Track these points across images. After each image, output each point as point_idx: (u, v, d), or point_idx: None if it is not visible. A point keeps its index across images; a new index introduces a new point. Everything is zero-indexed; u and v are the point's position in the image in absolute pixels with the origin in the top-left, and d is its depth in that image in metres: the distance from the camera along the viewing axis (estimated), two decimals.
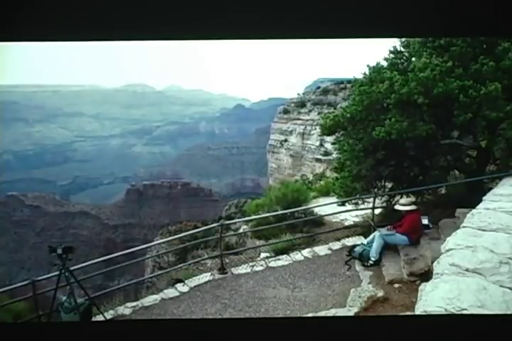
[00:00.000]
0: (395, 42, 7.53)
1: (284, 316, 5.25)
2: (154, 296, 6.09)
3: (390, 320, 2.86)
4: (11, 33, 2.38)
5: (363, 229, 7.61)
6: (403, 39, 7.43)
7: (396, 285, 5.60)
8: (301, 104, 53.18)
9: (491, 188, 5.99)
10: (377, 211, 7.65)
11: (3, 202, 71.02)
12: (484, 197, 5.19)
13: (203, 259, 7.33)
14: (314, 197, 11.62)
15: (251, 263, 6.86)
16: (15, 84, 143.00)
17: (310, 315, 5.15)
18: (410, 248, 6.11)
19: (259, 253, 7.47)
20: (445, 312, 2.84)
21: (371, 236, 6.53)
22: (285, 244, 7.39)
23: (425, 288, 3.44)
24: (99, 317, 5.17)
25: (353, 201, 7.57)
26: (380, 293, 5.22)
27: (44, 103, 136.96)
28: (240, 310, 5.55)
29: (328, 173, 31.85)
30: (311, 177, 39.19)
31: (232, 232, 12.78)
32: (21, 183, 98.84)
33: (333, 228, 8.14)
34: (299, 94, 56.76)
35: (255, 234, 8.91)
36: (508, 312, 2.88)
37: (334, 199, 8.38)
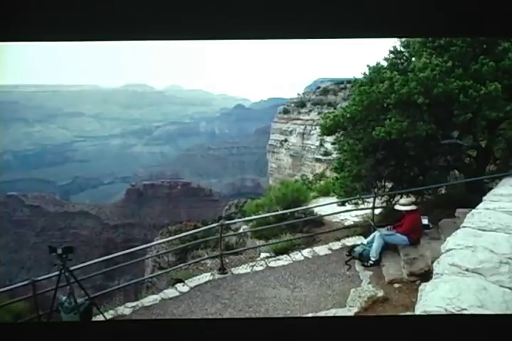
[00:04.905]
0: (395, 42, 7.53)
1: (284, 316, 5.25)
2: (154, 296, 6.08)
3: (390, 320, 2.85)
4: (11, 33, 2.38)
5: (363, 229, 7.59)
6: (403, 39, 7.42)
7: (396, 285, 5.60)
8: (301, 104, 53.17)
9: (491, 188, 5.99)
10: (377, 211, 7.64)
11: (3, 202, 71.03)
12: (484, 197, 5.19)
13: (203, 259, 7.33)
14: (314, 197, 11.62)
15: (251, 263, 6.86)
16: (15, 84, 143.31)
17: (310, 315, 5.15)
18: (410, 248, 6.11)
19: (259, 253, 7.46)
20: (445, 312, 2.84)
21: (371, 236, 6.53)
22: (285, 244, 7.39)
23: (425, 288, 3.44)
24: (99, 317, 5.17)
25: (353, 201, 7.56)
26: (380, 293, 5.23)
27: (44, 103, 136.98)
28: (240, 310, 5.54)
29: (328, 173, 31.83)
30: (311, 177, 39.14)
31: (232, 232, 12.78)
32: (21, 183, 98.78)
33: (333, 228, 8.14)
34: (299, 94, 56.73)
35: (255, 234, 8.91)
36: (508, 312, 2.88)
37: (334, 199, 8.38)
